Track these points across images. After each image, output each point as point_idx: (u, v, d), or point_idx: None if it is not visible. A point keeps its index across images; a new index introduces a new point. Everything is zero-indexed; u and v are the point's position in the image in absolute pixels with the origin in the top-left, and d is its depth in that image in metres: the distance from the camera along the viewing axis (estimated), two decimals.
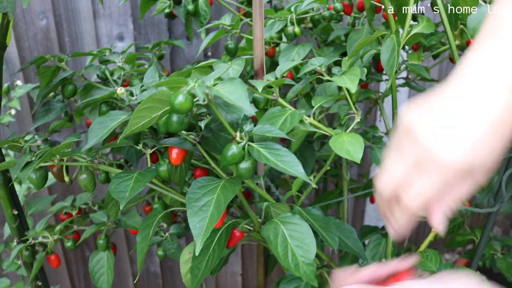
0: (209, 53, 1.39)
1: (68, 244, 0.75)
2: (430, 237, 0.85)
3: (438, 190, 0.37)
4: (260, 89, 0.57)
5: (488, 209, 0.86)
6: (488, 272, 0.81)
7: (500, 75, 0.33)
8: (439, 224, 0.39)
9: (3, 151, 0.74)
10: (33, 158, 0.56)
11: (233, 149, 0.51)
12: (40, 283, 0.87)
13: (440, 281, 0.45)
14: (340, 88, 0.75)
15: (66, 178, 0.58)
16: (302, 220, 0.59)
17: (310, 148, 0.89)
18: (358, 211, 1.78)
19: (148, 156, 0.59)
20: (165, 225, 0.78)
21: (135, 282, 0.75)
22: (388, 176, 0.39)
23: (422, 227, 1.88)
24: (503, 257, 1.00)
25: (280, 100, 0.60)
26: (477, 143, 0.33)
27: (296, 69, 0.92)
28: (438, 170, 0.35)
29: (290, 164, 0.49)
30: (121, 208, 0.50)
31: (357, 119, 0.61)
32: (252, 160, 0.52)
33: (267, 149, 0.51)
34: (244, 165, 0.52)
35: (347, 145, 0.53)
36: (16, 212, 0.79)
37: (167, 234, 0.76)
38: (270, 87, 0.62)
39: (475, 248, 0.95)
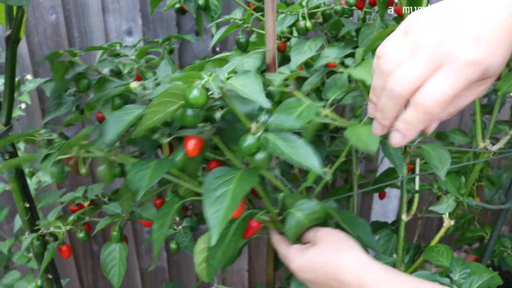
0: (218, 49, 1.39)
1: (81, 235, 0.75)
2: (441, 233, 0.85)
3: (458, 88, 0.37)
4: (277, 83, 0.57)
5: (499, 205, 0.86)
6: (495, 269, 0.80)
7: None
8: (431, 130, 0.43)
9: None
10: (50, 151, 0.56)
11: (248, 140, 0.51)
12: (50, 276, 0.87)
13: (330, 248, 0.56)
14: (350, 80, 0.75)
15: (83, 170, 0.58)
16: (319, 205, 0.59)
17: (321, 143, 0.89)
18: (365, 208, 1.78)
19: (165, 146, 0.58)
20: (177, 219, 0.78)
21: (150, 270, 0.75)
22: (404, 74, 0.39)
23: (429, 223, 1.88)
24: None
25: (297, 92, 0.60)
26: (492, 43, 0.36)
27: (307, 64, 0.92)
28: (459, 68, 0.36)
29: (305, 157, 0.48)
30: (138, 198, 0.50)
31: None
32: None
33: (283, 140, 0.50)
34: (260, 155, 0.51)
35: (364, 136, 0.53)
36: (28, 205, 0.79)
37: (180, 227, 0.77)
38: (284, 80, 0.62)
39: (485, 244, 0.95)
